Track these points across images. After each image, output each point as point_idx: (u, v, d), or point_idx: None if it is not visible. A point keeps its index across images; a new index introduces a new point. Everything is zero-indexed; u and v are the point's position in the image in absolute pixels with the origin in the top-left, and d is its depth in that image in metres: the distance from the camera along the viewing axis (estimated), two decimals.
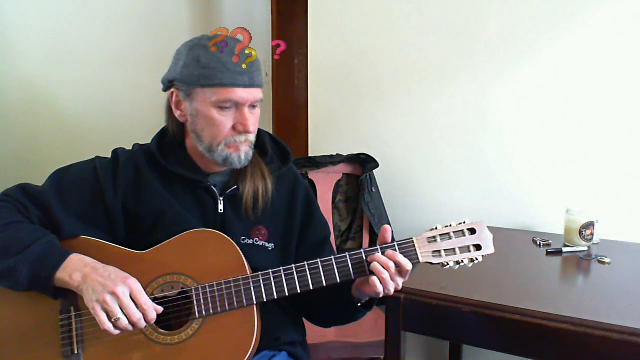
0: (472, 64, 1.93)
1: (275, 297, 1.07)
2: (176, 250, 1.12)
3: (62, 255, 1.06)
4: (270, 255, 1.22)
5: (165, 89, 1.21)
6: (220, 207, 1.21)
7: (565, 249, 1.62)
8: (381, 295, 1.08)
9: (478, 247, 1.07)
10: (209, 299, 1.07)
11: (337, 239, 2.04)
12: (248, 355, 1.05)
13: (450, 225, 1.08)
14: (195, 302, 1.07)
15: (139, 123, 2.25)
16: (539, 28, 1.82)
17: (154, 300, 1.07)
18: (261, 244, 1.21)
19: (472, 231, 1.07)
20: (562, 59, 1.80)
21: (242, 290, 1.07)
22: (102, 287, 1.01)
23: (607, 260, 1.53)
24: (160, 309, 1.06)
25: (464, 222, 1.08)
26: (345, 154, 2.07)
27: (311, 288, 1.07)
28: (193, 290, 1.08)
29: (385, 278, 1.04)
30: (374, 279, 1.04)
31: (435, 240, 1.07)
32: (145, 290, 1.05)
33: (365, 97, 2.12)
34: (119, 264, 1.08)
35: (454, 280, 1.37)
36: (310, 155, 2.17)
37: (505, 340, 1.27)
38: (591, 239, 1.63)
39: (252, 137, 1.18)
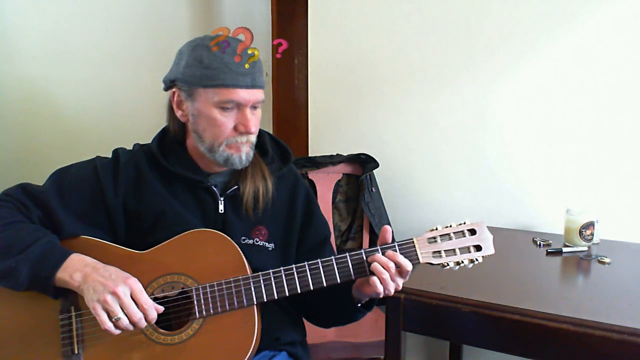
0: (472, 64, 1.93)
1: (276, 297, 1.07)
2: (176, 250, 1.12)
3: (62, 255, 1.06)
4: (271, 256, 1.22)
5: (167, 89, 1.21)
6: (221, 207, 1.21)
7: (565, 249, 1.62)
8: (381, 296, 1.08)
9: (478, 248, 1.07)
10: (209, 299, 1.07)
11: (337, 239, 2.04)
12: (248, 355, 1.05)
13: (451, 226, 1.08)
14: (195, 302, 1.07)
15: (139, 123, 2.25)
16: (539, 28, 1.82)
17: (155, 300, 1.07)
18: (261, 244, 1.22)
19: (472, 232, 1.07)
20: (562, 59, 1.81)
21: (242, 290, 1.07)
22: (102, 287, 1.02)
23: (607, 260, 1.53)
24: (161, 308, 1.06)
25: (464, 223, 1.08)
26: (345, 154, 2.07)
27: (311, 288, 1.07)
28: (193, 290, 1.08)
29: (386, 278, 1.04)
30: (374, 279, 1.04)
31: (436, 241, 1.07)
32: (145, 290, 1.05)
33: (365, 97, 2.12)
34: (119, 264, 1.08)
35: (454, 280, 1.37)
36: (310, 155, 2.17)
37: (505, 340, 1.27)
38: (591, 239, 1.63)
39: (253, 138, 1.18)
